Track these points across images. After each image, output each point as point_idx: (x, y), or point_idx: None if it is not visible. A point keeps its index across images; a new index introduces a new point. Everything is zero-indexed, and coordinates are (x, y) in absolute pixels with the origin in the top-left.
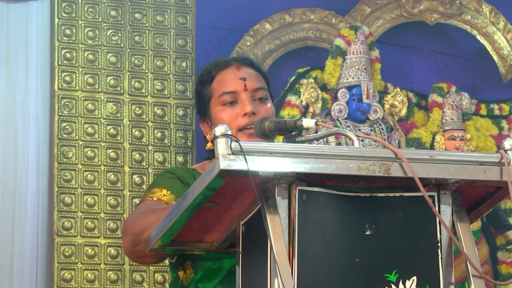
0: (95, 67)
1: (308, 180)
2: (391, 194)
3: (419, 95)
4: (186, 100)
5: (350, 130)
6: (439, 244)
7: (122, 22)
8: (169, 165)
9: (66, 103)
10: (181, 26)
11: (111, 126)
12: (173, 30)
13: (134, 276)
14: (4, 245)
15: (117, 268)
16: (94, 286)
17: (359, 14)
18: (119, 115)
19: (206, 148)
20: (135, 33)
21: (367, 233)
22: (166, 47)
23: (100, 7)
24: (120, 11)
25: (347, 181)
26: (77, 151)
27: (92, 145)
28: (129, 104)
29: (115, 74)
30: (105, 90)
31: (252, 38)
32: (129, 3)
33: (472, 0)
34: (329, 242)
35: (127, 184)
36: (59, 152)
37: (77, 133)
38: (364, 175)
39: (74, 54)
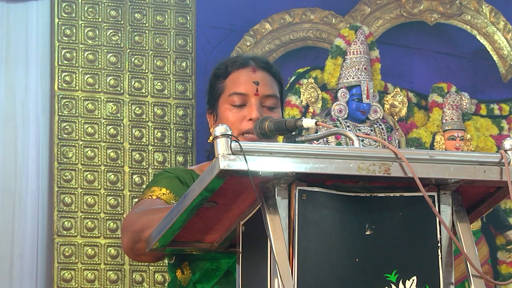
0: (95, 67)
1: (308, 180)
2: (391, 194)
3: (419, 95)
4: (186, 100)
5: (350, 130)
6: (439, 244)
7: (122, 22)
8: (169, 165)
9: (66, 103)
10: (181, 26)
11: (111, 126)
12: (173, 30)
13: (134, 276)
14: (4, 245)
15: (117, 268)
16: (94, 286)
17: (359, 14)
18: (119, 115)
19: (209, 141)
20: (135, 33)
21: (367, 233)
22: (166, 47)
23: (100, 7)
24: (120, 11)
25: (347, 181)
26: (77, 151)
27: (92, 145)
28: (129, 104)
29: (115, 74)
30: (105, 90)
31: (252, 38)
32: (129, 3)
33: (472, 0)
34: (329, 242)
35: (127, 184)
36: (59, 152)
37: (77, 133)
38: (364, 175)
39: (74, 54)
